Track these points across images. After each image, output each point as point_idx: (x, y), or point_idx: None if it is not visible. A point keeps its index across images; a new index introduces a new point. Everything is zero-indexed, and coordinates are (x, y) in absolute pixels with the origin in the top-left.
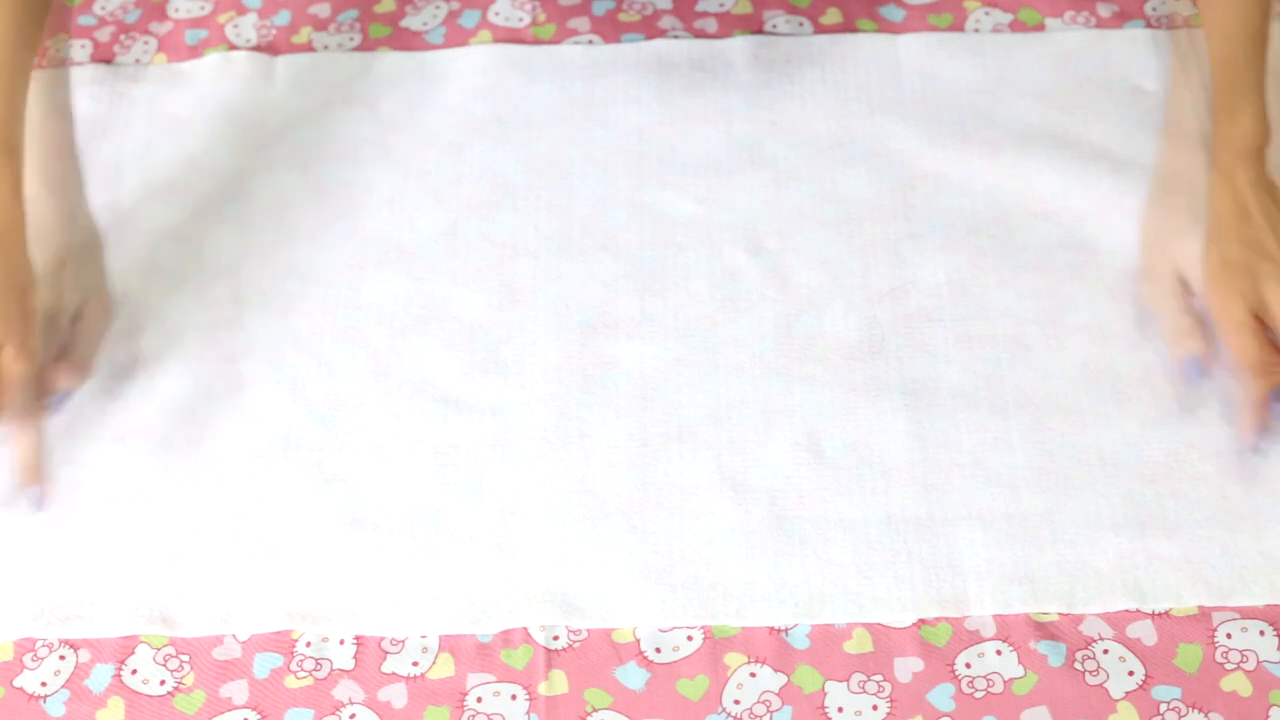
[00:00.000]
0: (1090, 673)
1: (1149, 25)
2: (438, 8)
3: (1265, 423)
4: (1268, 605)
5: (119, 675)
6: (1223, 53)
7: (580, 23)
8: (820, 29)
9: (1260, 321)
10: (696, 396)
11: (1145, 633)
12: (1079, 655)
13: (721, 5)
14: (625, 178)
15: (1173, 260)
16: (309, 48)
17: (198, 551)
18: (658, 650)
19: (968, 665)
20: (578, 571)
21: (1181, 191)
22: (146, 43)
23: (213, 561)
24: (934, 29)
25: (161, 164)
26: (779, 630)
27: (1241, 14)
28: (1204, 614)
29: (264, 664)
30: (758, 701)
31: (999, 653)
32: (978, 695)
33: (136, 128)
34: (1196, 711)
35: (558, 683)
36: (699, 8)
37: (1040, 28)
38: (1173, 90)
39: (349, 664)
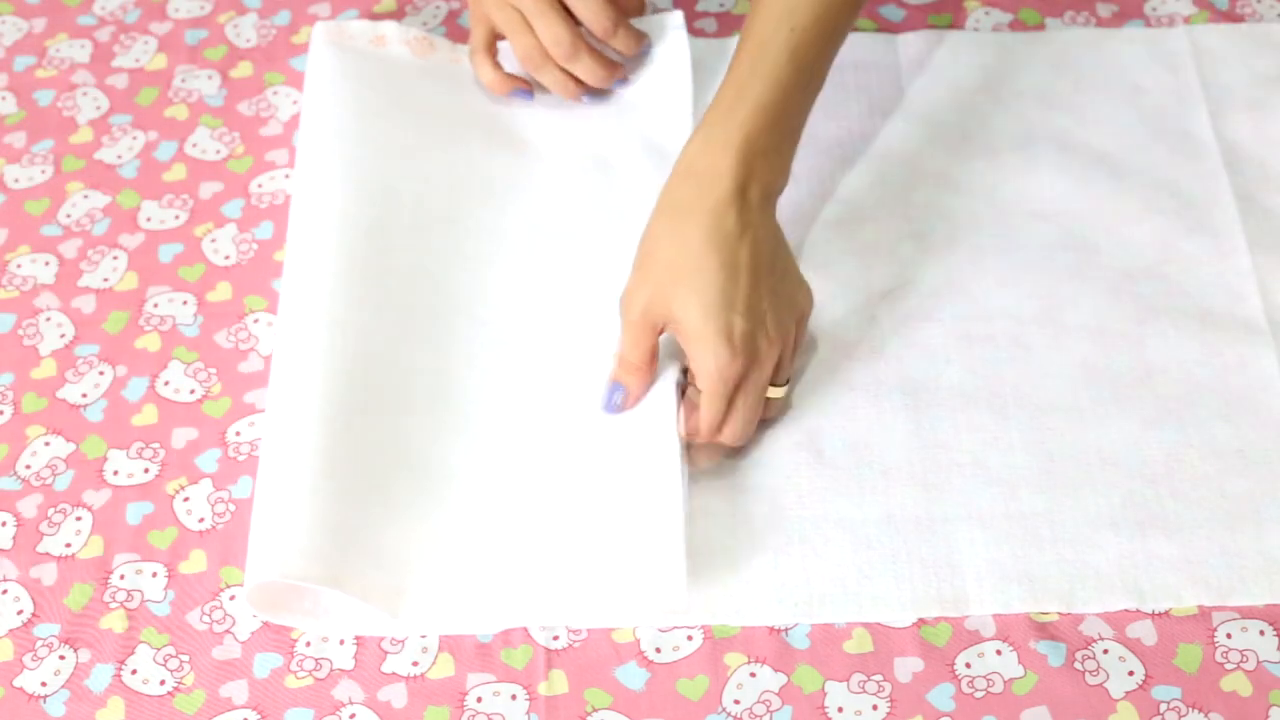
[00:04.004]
0: (1090, 673)
1: (1149, 25)
2: (437, 8)
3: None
4: (1268, 605)
5: (119, 675)
6: (779, 74)
7: None
8: None
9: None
10: None
11: (1145, 633)
12: (1079, 655)
13: (721, 5)
14: None
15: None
16: (306, 49)
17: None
18: (658, 650)
19: (968, 665)
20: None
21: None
22: (146, 43)
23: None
24: (934, 29)
25: None
26: (779, 630)
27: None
28: (1204, 614)
29: (264, 664)
30: (758, 701)
31: (999, 653)
32: (978, 695)
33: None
34: (1196, 711)
35: (558, 683)
36: (699, 8)
37: (1040, 28)
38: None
39: (349, 664)
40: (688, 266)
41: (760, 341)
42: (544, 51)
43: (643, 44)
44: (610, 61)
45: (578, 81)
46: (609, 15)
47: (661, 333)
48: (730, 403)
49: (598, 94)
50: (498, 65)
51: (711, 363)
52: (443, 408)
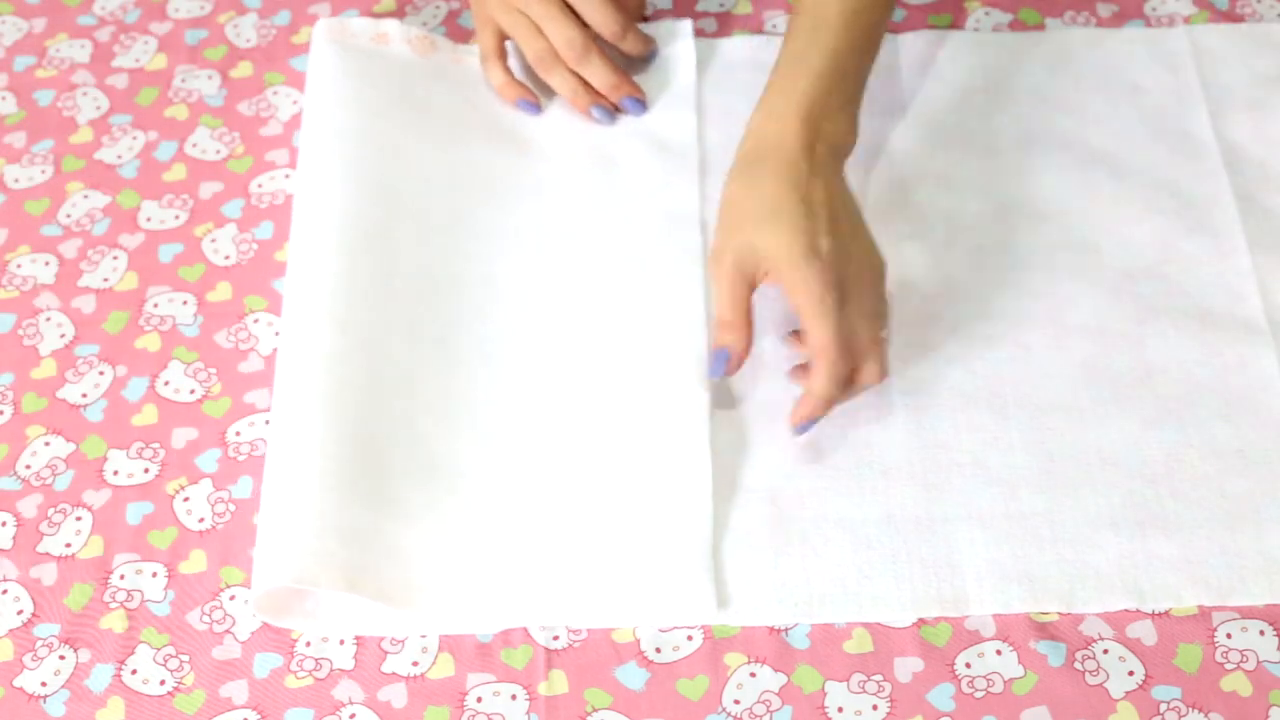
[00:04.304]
0: (1090, 673)
1: (1149, 25)
2: (437, 8)
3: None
4: (1268, 605)
5: (119, 675)
6: (836, 44)
7: None
8: None
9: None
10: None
11: (1145, 633)
12: (1079, 655)
13: (721, 5)
14: None
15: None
16: (306, 49)
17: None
18: (658, 650)
19: (968, 665)
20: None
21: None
22: (146, 43)
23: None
24: (934, 29)
25: None
26: (779, 630)
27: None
28: (1204, 614)
29: (264, 664)
30: (758, 701)
31: (999, 653)
32: (978, 695)
33: None
34: (1196, 711)
35: (558, 683)
36: (699, 8)
37: (1040, 28)
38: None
39: (349, 664)
40: (766, 209)
41: (851, 262)
42: (554, 54)
43: (650, 48)
44: (620, 68)
45: (587, 88)
46: (617, 18)
47: (754, 287)
48: (845, 335)
49: (607, 112)
50: (509, 70)
51: (808, 278)
52: (449, 406)
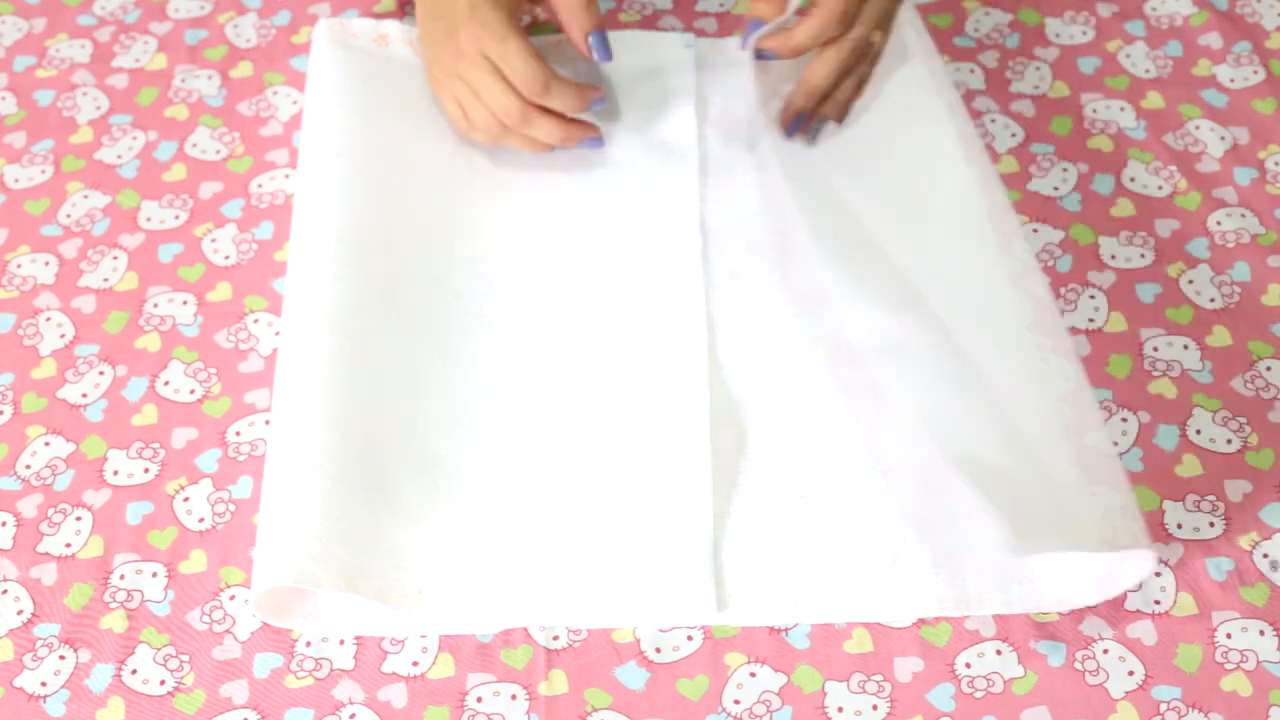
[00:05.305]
0: (1090, 673)
1: (1149, 25)
2: None
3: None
4: (1268, 605)
5: (119, 675)
6: None
7: None
8: None
9: None
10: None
11: (1145, 633)
12: (1079, 655)
13: (721, 5)
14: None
15: None
16: (307, 49)
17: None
18: (658, 650)
19: (968, 665)
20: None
21: None
22: (146, 43)
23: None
24: (934, 29)
25: None
26: (779, 630)
27: None
28: (1204, 614)
29: (264, 664)
30: (758, 701)
31: (999, 653)
32: (978, 695)
33: None
34: (1196, 711)
35: (558, 682)
36: (699, 8)
37: (1040, 27)
38: None
39: (349, 664)
40: None
41: None
42: (500, 121)
43: (589, 100)
44: (569, 121)
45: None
46: (539, 78)
47: None
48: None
49: (599, 103)
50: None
51: None
52: (448, 406)
